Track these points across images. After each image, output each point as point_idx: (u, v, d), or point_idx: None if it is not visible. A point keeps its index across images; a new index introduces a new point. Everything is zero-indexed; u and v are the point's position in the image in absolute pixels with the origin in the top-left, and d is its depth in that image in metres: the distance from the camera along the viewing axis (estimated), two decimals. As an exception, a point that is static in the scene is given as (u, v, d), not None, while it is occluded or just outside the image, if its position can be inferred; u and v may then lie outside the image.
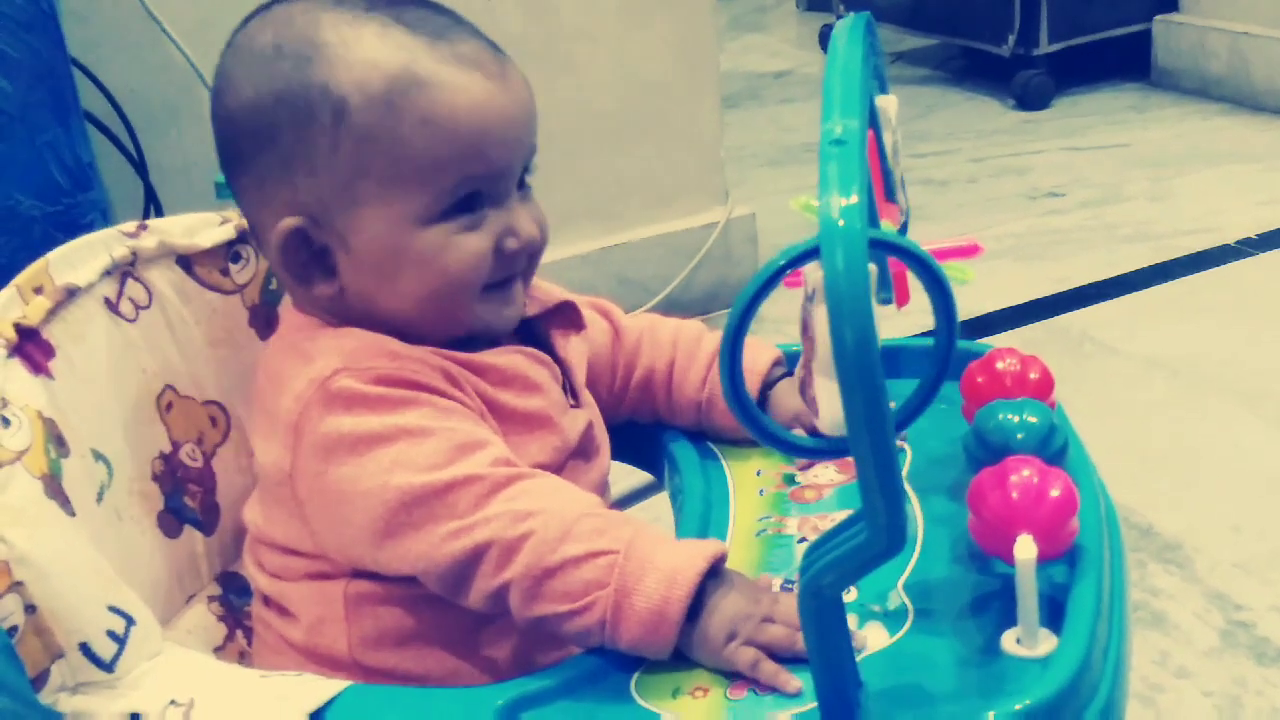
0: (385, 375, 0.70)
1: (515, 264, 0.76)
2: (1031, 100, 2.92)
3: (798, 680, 0.62)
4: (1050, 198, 2.42)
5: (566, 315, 0.83)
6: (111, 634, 0.65)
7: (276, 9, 0.75)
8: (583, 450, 0.80)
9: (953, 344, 0.58)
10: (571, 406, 0.81)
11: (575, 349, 0.83)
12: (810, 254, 0.56)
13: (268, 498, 0.75)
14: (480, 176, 0.73)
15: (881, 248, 0.58)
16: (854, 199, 0.51)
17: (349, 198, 0.72)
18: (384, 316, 0.74)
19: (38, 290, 0.72)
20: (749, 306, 0.56)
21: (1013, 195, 2.45)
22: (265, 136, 0.72)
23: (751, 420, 0.61)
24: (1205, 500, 1.45)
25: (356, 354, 0.71)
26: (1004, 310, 1.95)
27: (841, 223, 0.50)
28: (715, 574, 0.65)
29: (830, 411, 0.67)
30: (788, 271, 0.55)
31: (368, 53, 0.71)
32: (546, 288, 0.83)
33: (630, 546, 0.65)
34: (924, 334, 0.63)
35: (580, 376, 0.83)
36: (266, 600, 0.78)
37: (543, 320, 0.82)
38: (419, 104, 0.70)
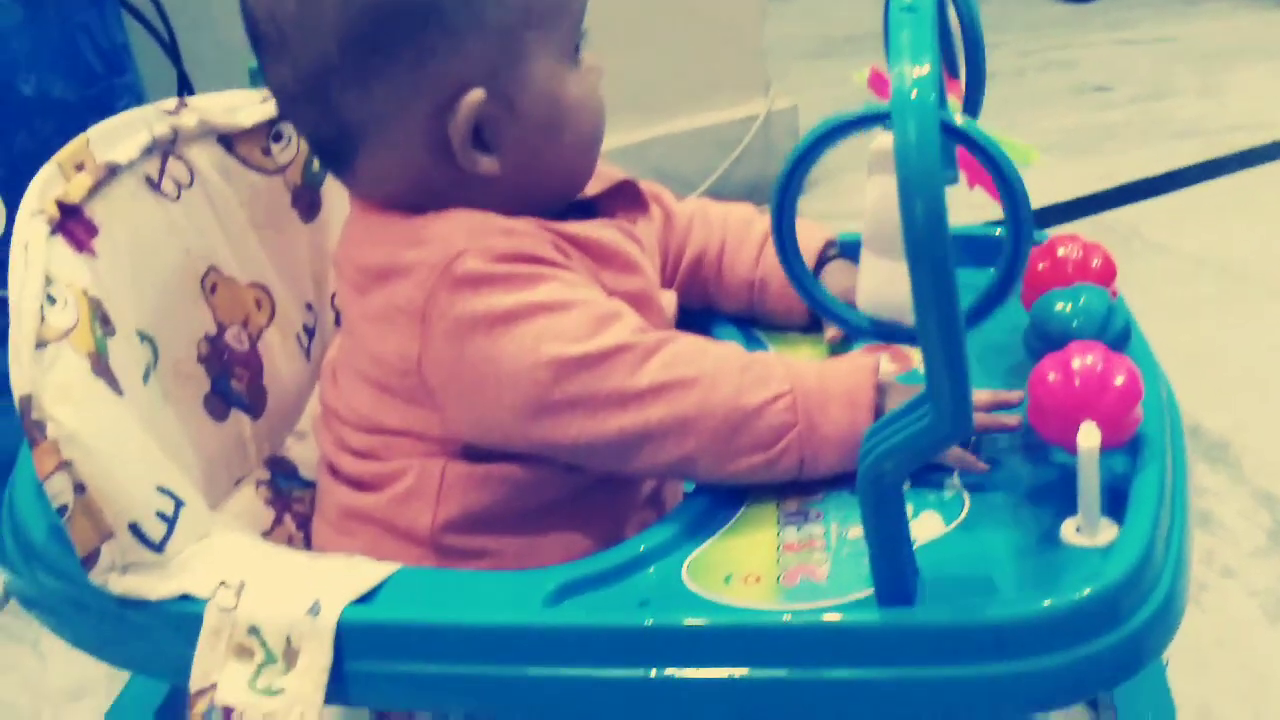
0: (507, 252, 0.68)
1: None
2: (1080, -8, 2.85)
3: (982, 464, 0.67)
4: (1098, 92, 2.36)
5: (630, 196, 0.79)
6: (161, 515, 0.65)
7: None
8: None
9: (1025, 235, 0.56)
10: None
11: (644, 231, 0.78)
12: (871, 119, 0.54)
13: (374, 385, 0.72)
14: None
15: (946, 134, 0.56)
16: (927, 68, 0.49)
17: (515, 52, 0.69)
18: (537, 182, 0.72)
19: (79, 167, 0.71)
20: (805, 155, 0.55)
21: (1060, 90, 2.39)
22: (422, 11, 0.67)
23: (801, 282, 0.60)
24: (1254, 399, 1.42)
25: (473, 234, 0.68)
26: (1051, 206, 1.91)
27: (914, 94, 0.48)
28: (880, 386, 0.67)
29: (871, 288, 0.65)
30: (850, 132, 0.53)
31: None
32: (602, 167, 0.78)
33: (798, 381, 0.67)
34: (994, 223, 0.61)
35: (657, 259, 0.80)
36: (336, 474, 0.76)
37: (603, 201, 0.78)
38: None
